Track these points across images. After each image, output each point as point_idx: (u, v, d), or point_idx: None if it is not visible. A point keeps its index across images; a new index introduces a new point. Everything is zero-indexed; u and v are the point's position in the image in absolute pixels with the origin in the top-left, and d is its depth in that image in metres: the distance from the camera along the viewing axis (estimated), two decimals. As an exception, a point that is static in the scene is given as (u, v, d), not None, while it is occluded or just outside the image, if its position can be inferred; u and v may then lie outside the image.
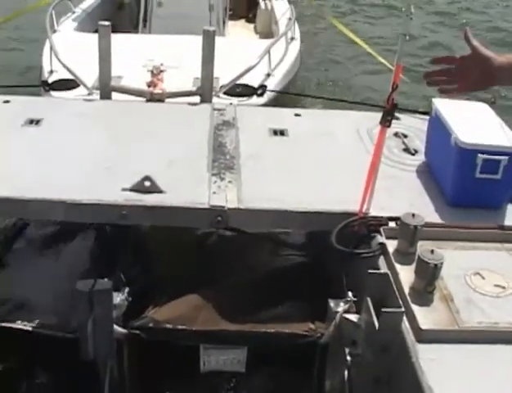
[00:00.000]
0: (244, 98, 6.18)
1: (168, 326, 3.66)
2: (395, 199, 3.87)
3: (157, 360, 3.84)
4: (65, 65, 6.17)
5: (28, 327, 3.65)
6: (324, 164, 4.31)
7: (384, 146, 3.65)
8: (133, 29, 9.08)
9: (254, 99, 6.29)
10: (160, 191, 3.85)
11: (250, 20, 10.92)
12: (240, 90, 6.22)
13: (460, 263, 3.37)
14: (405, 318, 2.98)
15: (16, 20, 10.05)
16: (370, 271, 3.15)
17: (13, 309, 3.93)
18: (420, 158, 4.41)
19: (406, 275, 3.23)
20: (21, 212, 3.98)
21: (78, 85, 6.15)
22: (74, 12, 9.11)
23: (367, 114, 5.04)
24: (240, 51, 6.89)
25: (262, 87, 6.31)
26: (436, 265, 3.07)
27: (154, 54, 6.70)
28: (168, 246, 4.63)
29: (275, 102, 6.47)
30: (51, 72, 6.61)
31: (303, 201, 3.85)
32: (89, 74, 6.05)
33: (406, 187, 4.10)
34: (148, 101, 5.57)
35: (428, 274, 3.10)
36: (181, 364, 3.82)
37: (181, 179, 4.02)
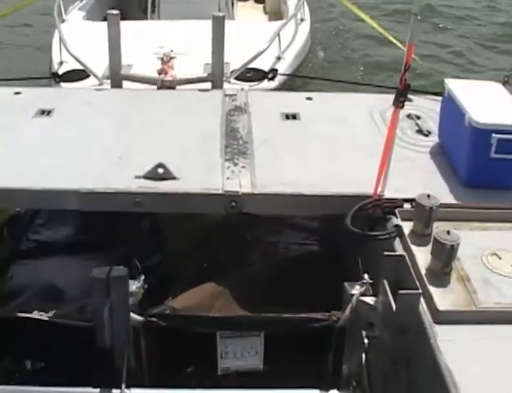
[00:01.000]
0: (255, 83, 6.15)
1: (185, 313, 3.66)
2: (409, 181, 3.85)
3: (174, 348, 3.86)
4: (74, 56, 6.14)
5: (45, 317, 3.66)
6: (337, 148, 4.29)
7: (398, 128, 3.62)
8: (142, 14, 9.03)
9: (265, 83, 6.25)
10: (174, 178, 3.85)
11: (259, 0, 10.85)
12: (250, 75, 6.19)
13: (476, 243, 3.36)
14: (422, 299, 2.98)
15: (26, 10, 10.07)
16: (386, 253, 3.13)
17: (32, 298, 3.96)
18: (434, 139, 4.38)
19: (423, 256, 3.22)
20: (35, 202, 4.00)
21: (88, 75, 6.13)
22: (81, 0, 9.07)
23: (380, 96, 5.02)
24: (250, 34, 6.84)
25: (273, 71, 6.27)
26: (452, 246, 3.06)
27: (164, 41, 6.67)
28: (184, 234, 4.65)
29: (286, 86, 6.44)
30: (61, 63, 6.58)
31: (317, 185, 3.83)
32: (99, 64, 6.02)
33: (421, 168, 4.08)
34: (159, 88, 5.56)
35: (445, 255, 3.08)
36: (198, 352, 3.83)
37: (194, 166, 4.01)
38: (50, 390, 3.50)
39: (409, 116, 4.61)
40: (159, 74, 5.79)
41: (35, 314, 3.68)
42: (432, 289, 3.03)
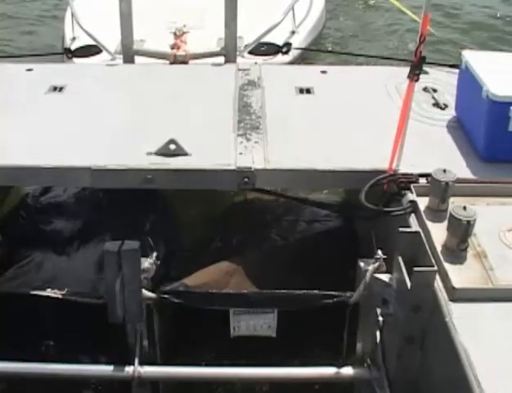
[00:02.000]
0: (269, 57, 6.07)
1: (198, 290, 3.63)
2: (425, 155, 3.78)
3: (187, 326, 3.85)
4: (86, 32, 6.09)
5: (58, 294, 3.66)
6: (351, 122, 4.22)
7: (413, 102, 3.55)
8: None
9: (279, 57, 6.16)
10: (186, 154, 3.80)
11: None
12: (264, 49, 6.09)
13: (493, 219, 3.30)
14: (437, 276, 2.92)
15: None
16: (401, 229, 3.08)
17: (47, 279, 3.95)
18: (451, 112, 4.30)
19: (438, 233, 3.16)
20: (48, 180, 3.98)
21: (100, 51, 6.08)
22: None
23: (395, 68, 4.93)
24: (264, 8, 6.76)
25: (287, 45, 6.17)
26: (469, 222, 3.00)
27: (177, 16, 6.60)
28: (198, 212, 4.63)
29: (300, 60, 6.34)
30: (74, 39, 6.54)
31: (331, 160, 3.78)
32: (112, 39, 5.97)
33: (437, 142, 4.01)
34: (172, 63, 5.49)
35: (461, 231, 3.02)
36: (211, 330, 3.82)
37: (206, 141, 3.97)
38: (62, 368, 3.51)
39: (425, 89, 4.53)
40: (172, 48, 5.71)
41: (48, 291, 3.70)
42: (447, 266, 2.98)
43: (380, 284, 3.18)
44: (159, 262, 3.43)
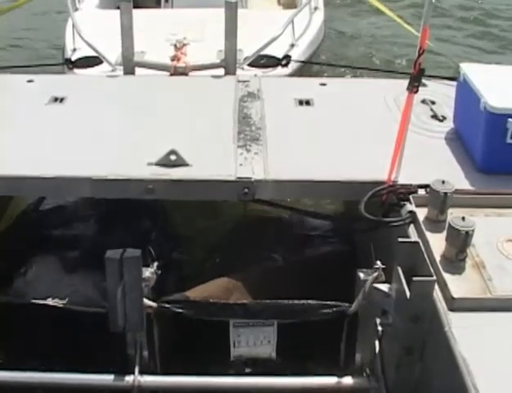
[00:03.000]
0: (269, 69, 6.11)
1: (198, 300, 3.64)
2: (424, 166, 3.81)
3: (187, 335, 3.85)
4: (87, 42, 6.12)
5: (59, 304, 3.67)
6: (351, 133, 4.26)
7: (412, 114, 3.58)
8: (156, 3, 9.00)
9: (279, 70, 6.19)
10: (186, 165, 3.83)
11: None
12: (264, 61, 6.13)
13: (491, 230, 3.32)
14: (436, 286, 2.95)
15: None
16: (400, 239, 3.11)
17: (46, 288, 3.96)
18: (449, 124, 4.34)
19: (437, 243, 3.18)
20: (48, 190, 4.00)
21: (101, 62, 6.11)
22: (94, -11, 9.05)
23: (393, 81, 4.97)
24: (263, 22, 6.79)
25: (287, 57, 6.23)
26: (467, 232, 3.03)
27: (177, 28, 6.63)
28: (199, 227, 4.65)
29: (299, 73, 6.38)
30: (74, 50, 6.56)
31: (331, 171, 3.81)
32: (112, 51, 6.01)
33: (435, 154, 4.04)
34: (172, 75, 5.52)
35: (460, 242, 3.05)
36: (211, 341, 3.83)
37: (207, 152, 3.99)
38: (62, 377, 3.51)
39: (423, 101, 4.57)
40: (172, 60, 5.76)
41: (49, 301, 3.71)
42: (446, 276, 3.00)
43: (379, 294, 3.19)
44: (159, 272, 3.44)
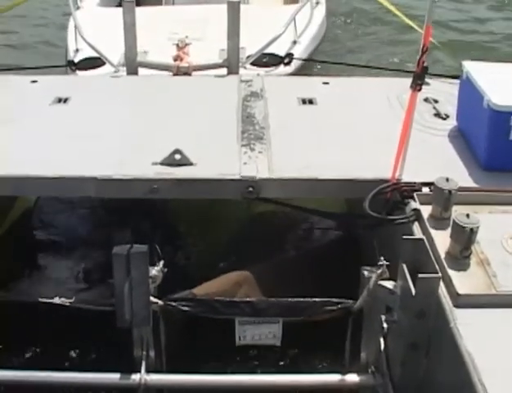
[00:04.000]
0: (271, 68, 6.12)
1: (203, 298, 3.66)
2: (428, 164, 3.82)
3: (193, 334, 3.87)
4: (90, 44, 6.12)
5: (66, 302, 3.68)
6: (354, 132, 4.27)
7: (415, 112, 3.60)
8: (157, 0, 8.99)
9: (281, 68, 6.20)
10: (191, 164, 3.84)
11: None
12: (266, 60, 6.14)
13: (495, 227, 3.33)
14: (441, 283, 2.96)
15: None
16: (404, 237, 3.12)
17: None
18: (452, 122, 4.35)
19: (442, 240, 3.20)
20: (53, 189, 4.01)
21: (104, 63, 6.12)
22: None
23: (397, 79, 4.98)
24: (265, 19, 6.80)
25: (289, 55, 6.23)
26: (472, 229, 3.04)
27: (179, 26, 6.65)
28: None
29: (302, 70, 6.39)
30: (77, 51, 6.56)
31: (335, 169, 3.82)
32: (115, 51, 6.01)
33: (439, 152, 4.05)
34: (175, 75, 5.53)
35: (464, 239, 3.06)
36: (217, 338, 3.84)
37: (211, 151, 4.01)
38: (69, 376, 3.53)
39: (426, 100, 4.58)
40: (175, 60, 5.77)
41: (56, 300, 3.72)
42: (451, 273, 3.02)
43: (384, 291, 3.21)
44: (166, 270, 3.45)
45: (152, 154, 3.92)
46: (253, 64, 6.01)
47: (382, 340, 3.39)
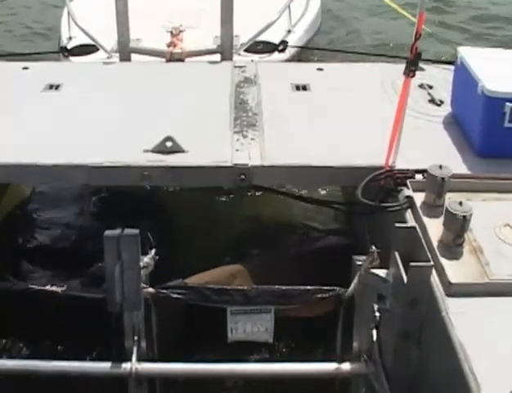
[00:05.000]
0: (265, 55, 6.09)
1: (195, 285, 3.64)
2: (421, 151, 3.79)
3: (184, 321, 3.85)
4: (83, 30, 6.09)
5: (58, 289, 3.66)
6: (348, 118, 4.23)
7: (409, 98, 3.56)
8: None
9: (276, 55, 6.17)
10: (182, 151, 3.81)
11: None
12: (260, 47, 6.10)
13: (489, 214, 3.31)
14: (434, 271, 2.94)
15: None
16: (397, 225, 3.09)
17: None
18: (446, 109, 4.32)
19: (434, 228, 3.17)
20: (45, 177, 3.98)
21: (97, 49, 6.08)
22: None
23: (391, 65, 4.95)
24: (260, 6, 6.77)
25: (283, 43, 6.20)
26: (465, 217, 3.01)
27: (173, 14, 6.61)
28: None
29: (296, 58, 6.36)
30: (70, 38, 6.54)
31: (328, 157, 3.79)
32: (108, 38, 5.98)
33: (433, 138, 4.02)
34: (168, 61, 5.49)
35: (457, 227, 3.04)
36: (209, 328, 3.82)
37: (203, 138, 3.97)
38: (60, 365, 3.50)
39: (421, 86, 4.55)
40: (168, 46, 5.73)
41: (47, 287, 3.70)
42: (444, 261, 2.99)
43: (377, 279, 3.18)
44: (157, 257, 3.42)
45: (144, 141, 3.89)
46: (247, 51, 5.98)
47: (375, 328, 3.37)
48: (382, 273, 3.16)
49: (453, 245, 3.07)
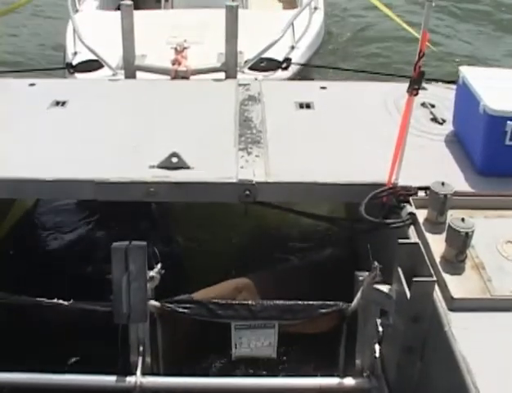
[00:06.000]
0: (269, 73, 6.14)
1: (200, 300, 3.66)
2: (424, 169, 3.84)
3: (188, 335, 3.87)
4: (88, 47, 6.14)
5: (64, 302, 3.68)
6: (351, 136, 4.29)
7: (412, 117, 3.61)
8: (155, 2, 8.99)
9: (279, 73, 6.22)
10: (188, 167, 3.86)
11: None
12: (264, 64, 6.16)
13: (490, 231, 3.35)
14: (436, 287, 2.97)
15: (39, 1, 10.10)
16: (400, 241, 3.13)
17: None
18: (448, 127, 4.37)
19: (437, 244, 3.21)
20: (51, 192, 4.02)
21: (102, 66, 6.13)
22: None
23: (394, 84, 5.00)
24: (264, 23, 6.82)
25: (287, 60, 6.25)
26: (467, 233, 3.05)
27: (178, 30, 6.66)
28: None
29: (300, 75, 6.41)
30: (75, 54, 6.57)
31: (331, 174, 3.83)
32: (113, 54, 6.03)
33: (435, 156, 4.07)
34: (173, 78, 5.54)
35: (459, 243, 3.08)
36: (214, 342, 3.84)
37: (208, 155, 4.02)
38: (65, 378, 3.53)
39: (423, 104, 4.60)
40: (173, 64, 5.77)
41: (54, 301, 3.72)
42: (446, 277, 3.03)
43: (380, 295, 3.22)
44: (163, 271, 3.45)
45: (149, 157, 3.93)
46: (251, 68, 6.03)
47: (378, 343, 3.40)
48: (385, 288, 3.20)
49: (455, 261, 3.11)
